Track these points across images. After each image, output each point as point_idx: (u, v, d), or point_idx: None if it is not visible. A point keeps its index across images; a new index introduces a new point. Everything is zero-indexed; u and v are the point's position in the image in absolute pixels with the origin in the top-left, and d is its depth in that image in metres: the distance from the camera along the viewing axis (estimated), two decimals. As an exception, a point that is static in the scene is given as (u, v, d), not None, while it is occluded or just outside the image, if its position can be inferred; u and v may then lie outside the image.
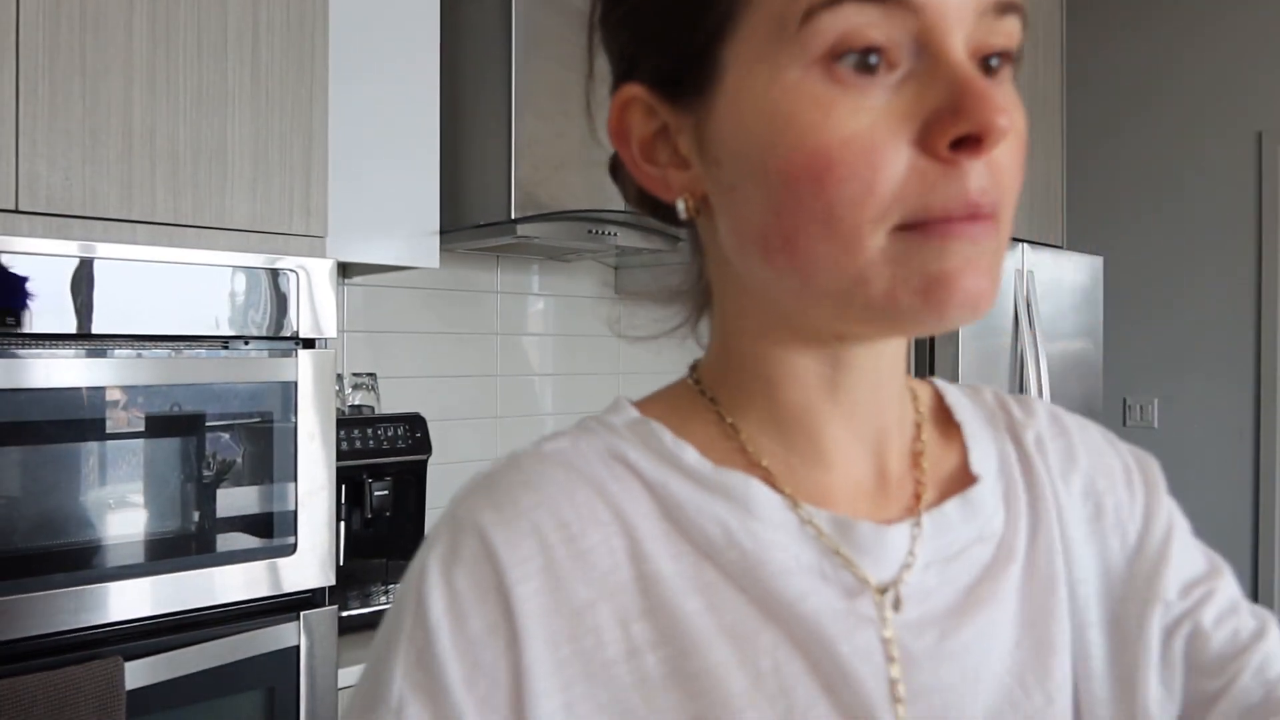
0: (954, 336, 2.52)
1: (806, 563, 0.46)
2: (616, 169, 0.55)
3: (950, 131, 0.39)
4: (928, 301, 0.40)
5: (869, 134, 0.39)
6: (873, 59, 0.39)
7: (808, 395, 0.48)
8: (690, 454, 0.48)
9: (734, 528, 0.46)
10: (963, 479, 0.51)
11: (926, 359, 2.57)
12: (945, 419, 0.55)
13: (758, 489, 0.47)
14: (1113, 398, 3.89)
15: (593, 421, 0.53)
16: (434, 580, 0.44)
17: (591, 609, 0.44)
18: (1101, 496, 0.54)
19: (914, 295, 0.40)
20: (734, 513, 0.46)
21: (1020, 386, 2.66)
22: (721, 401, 0.51)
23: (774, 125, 0.41)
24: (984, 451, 0.53)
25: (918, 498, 0.50)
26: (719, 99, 0.43)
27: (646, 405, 0.54)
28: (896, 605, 0.46)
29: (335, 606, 1.46)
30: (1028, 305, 2.70)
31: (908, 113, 0.39)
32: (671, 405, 0.53)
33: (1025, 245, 2.75)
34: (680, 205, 0.47)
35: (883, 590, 0.46)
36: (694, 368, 0.55)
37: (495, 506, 0.46)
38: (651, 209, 0.53)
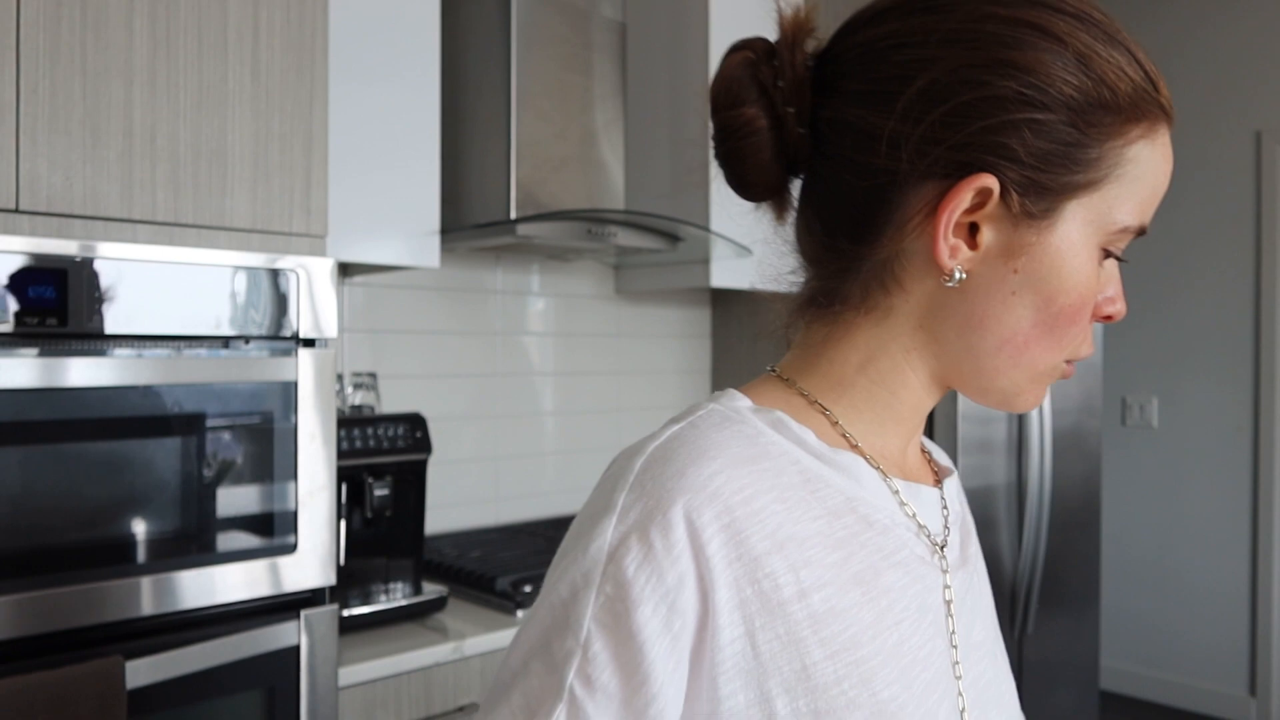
0: (954, 336, 2.52)
1: (899, 519, 0.61)
2: (740, 148, 0.63)
3: (1107, 310, 0.61)
4: (1029, 406, 0.63)
5: (1095, 299, 0.60)
6: (1105, 260, 0.60)
7: (915, 411, 0.65)
8: (811, 436, 0.60)
9: (851, 494, 0.59)
10: (942, 471, 0.71)
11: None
12: None
13: (861, 464, 0.61)
14: (1112, 397, 3.90)
15: (715, 406, 0.61)
16: (631, 542, 0.53)
17: (768, 557, 0.54)
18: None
19: (1032, 402, 0.62)
20: (848, 482, 0.60)
21: (1020, 386, 2.66)
22: (827, 405, 0.63)
23: (1075, 273, 0.57)
24: (941, 458, 0.74)
25: (934, 476, 0.70)
26: (1048, 231, 0.57)
27: (757, 397, 0.63)
28: (942, 551, 0.63)
29: (335, 606, 1.46)
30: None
31: (1099, 292, 0.60)
32: (781, 400, 0.63)
33: (1025, 245, 2.74)
34: (958, 274, 0.58)
35: (939, 544, 0.63)
36: (785, 378, 0.65)
37: (680, 474, 0.54)
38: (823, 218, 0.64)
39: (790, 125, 0.61)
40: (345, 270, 2.14)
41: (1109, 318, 0.62)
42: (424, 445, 1.85)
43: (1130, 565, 3.88)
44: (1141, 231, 0.60)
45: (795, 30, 0.64)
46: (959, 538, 0.67)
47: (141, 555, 1.29)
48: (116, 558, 1.27)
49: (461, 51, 2.26)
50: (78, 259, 1.24)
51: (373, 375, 2.02)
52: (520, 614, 1.81)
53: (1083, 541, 2.99)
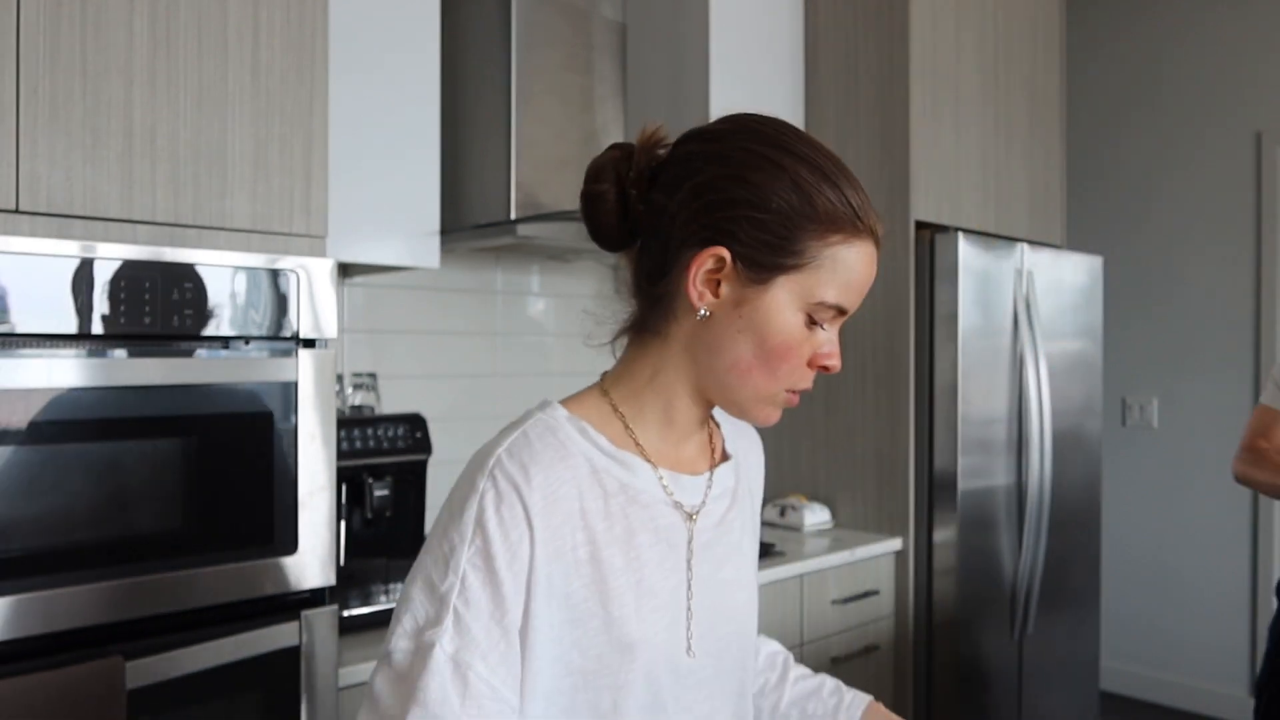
0: (954, 336, 2.52)
1: (660, 498, 0.90)
2: (594, 210, 0.92)
3: (822, 361, 0.88)
4: (763, 420, 0.91)
5: (805, 352, 0.87)
6: (818, 326, 0.87)
7: (685, 417, 0.93)
8: (603, 440, 0.89)
9: (625, 481, 0.89)
10: (724, 457, 1.00)
11: (928, 360, 2.57)
12: (714, 428, 1.02)
13: (638, 460, 0.90)
14: (1112, 397, 3.90)
15: (541, 415, 0.89)
16: (490, 511, 0.81)
17: (564, 526, 0.84)
18: (753, 471, 1.08)
19: (763, 418, 0.91)
20: (625, 473, 0.89)
21: (1020, 386, 2.66)
22: (624, 411, 0.92)
23: (781, 326, 0.85)
24: (732, 444, 1.02)
25: (710, 464, 0.97)
26: (763, 293, 0.85)
27: (571, 406, 0.92)
28: (694, 518, 0.92)
29: (335, 606, 1.46)
30: (1027, 305, 2.70)
31: (813, 346, 0.87)
32: (592, 409, 0.92)
33: (1025, 245, 2.75)
34: (703, 311, 0.86)
35: (692, 514, 0.92)
36: (604, 388, 0.94)
37: (521, 468, 0.83)
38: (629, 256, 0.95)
39: (632, 201, 0.90)
40: (345, 270, 2.14)
41: (825, 368, 0.88)
42: (424, 445, 1.85)
43: (1130, 565, 3.88)
44: (843, 311, 0.87)
45: (648, 140, 0.90)
46: (722, 507, 0.96)
47: (141, 555, 1.29)
48: (116, 558, 1.27)
49: (461, 51, 2.26)
50: (78, 260, 1.24)
51: (373, 375, 2.02)
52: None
53: (1083, 542, 2.99)
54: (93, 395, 1.25)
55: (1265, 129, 3.57)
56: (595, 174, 0.91)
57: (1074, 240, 3.64)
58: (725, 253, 0.84)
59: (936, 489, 2.55)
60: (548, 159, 2.28)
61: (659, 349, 0.90)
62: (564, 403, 0.91)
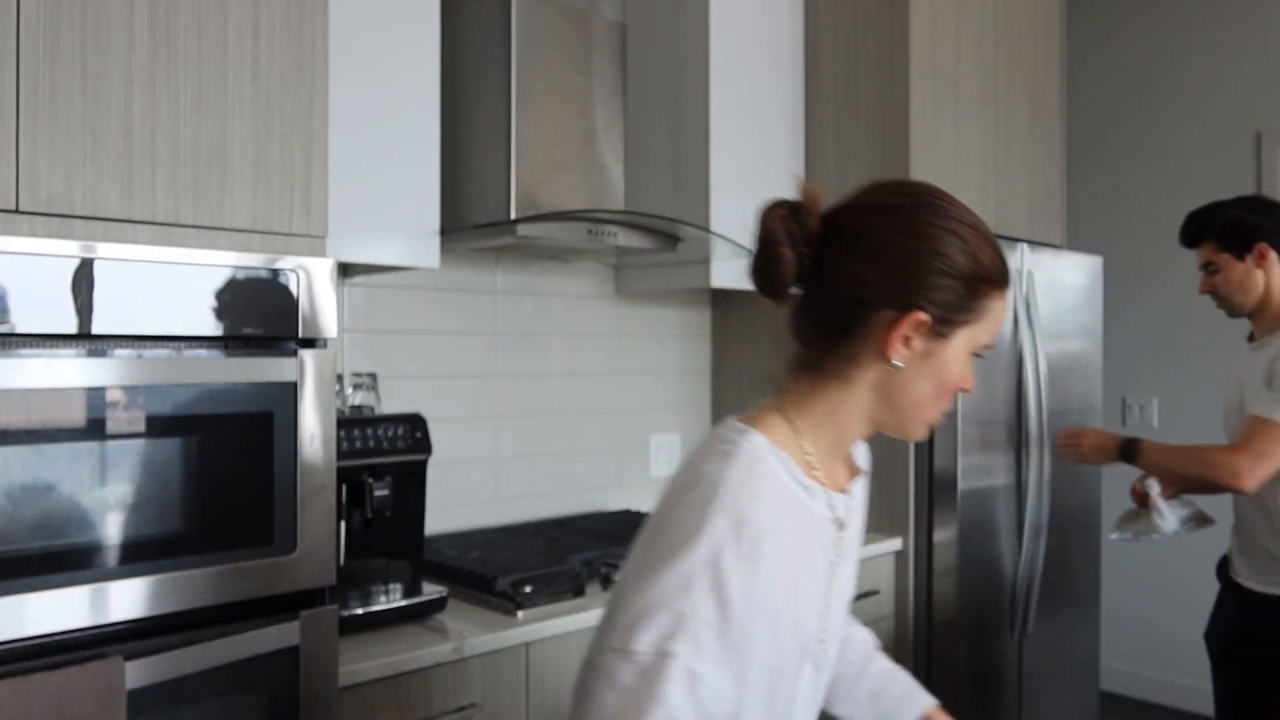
0: (954, 336, 2.52)
1: (826, 517, 1.05)
2: (772, 270, 1.02)
3: (964, 386, 1.04)
4: (921, 438, 1.08)
5: (966, 384, 1.04)
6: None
7: (850, 444, 1.08)
8: (798, 471, 1.02)
9: (808, 506, 1.03)
10: (856, 472, 1.14)
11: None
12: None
13: (818, 487, 1.04)
14: (1112, 398, 3.89)
15: (746, 445, 1.00)
16: (724, 542, 0.92)
17: (774, 550, 0.95)
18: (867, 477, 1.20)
19: (922, 436, 1.07)
20: (809, 499, 1.03)
21: (1020, 386, 2.66)
22: (805, 441, 1.05)
23: (956, 368, 1.02)
24: (860, 458, 1.16)
25: (849, 478, 1.12)
26: (946, 345, 1.01)
27: (766, 432, 1.03)
28: (843, 529, 1.08)
29: (335, 606, 1.46)
30: (1027, 305, 2.70)
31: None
32: (781, 438, 1.03)
33: (1025, 245, 2.75)
34: (898, 363, 1.00)
35: (841, 526, 1.07)
36: (786, 416, 1.06)
37: (748, 501, 0.95)
38: (813, 323, 1.07)
39: (804, 261, 1.01)
40: (345, 270, 2.14)
41: (965, 389, 1.05)
42: (424, 445, 1.85)
43: (1130, 565, 3.87)
44: (988, 347, 1.05)
45: (809, 202, 1.02)
46: (858, 517, 1.14)
47: (141, 555, 1.29)
48: (116, 558, 1.27)
49: (461, 51, 2.26)
50: (78, 260, 1.24)
51: (373, 375, 2.02)
52: (520, 614, 1.81)
53: (1083, 542, 2.99)
54: (93, 395, 1.25)
55: (1265, 129, 3.57)
56: (769, 238, 1.01)
57: (1074, 240, 3.64)
58: (925, 316, 0.98)
59: (936, 489, 2.55)
60: (548, 159, 2.28)
61: (840, 389, 1.04)
62: (756, 427, 1.03)
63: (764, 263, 1.01)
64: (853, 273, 0.99)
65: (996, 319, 1.03)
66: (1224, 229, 2.20)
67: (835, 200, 1.05)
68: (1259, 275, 2.16)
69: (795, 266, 1.00)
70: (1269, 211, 2.19)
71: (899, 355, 0.99)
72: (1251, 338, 2.26)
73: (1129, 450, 2.23)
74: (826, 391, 1.04)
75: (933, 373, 1.01)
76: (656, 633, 0.90)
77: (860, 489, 1.15)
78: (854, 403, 1.04)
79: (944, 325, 0.99)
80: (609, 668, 0.92)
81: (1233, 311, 2.27)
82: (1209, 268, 2.26)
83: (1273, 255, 2.15)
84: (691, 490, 0.96)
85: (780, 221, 1.00)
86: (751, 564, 0.93)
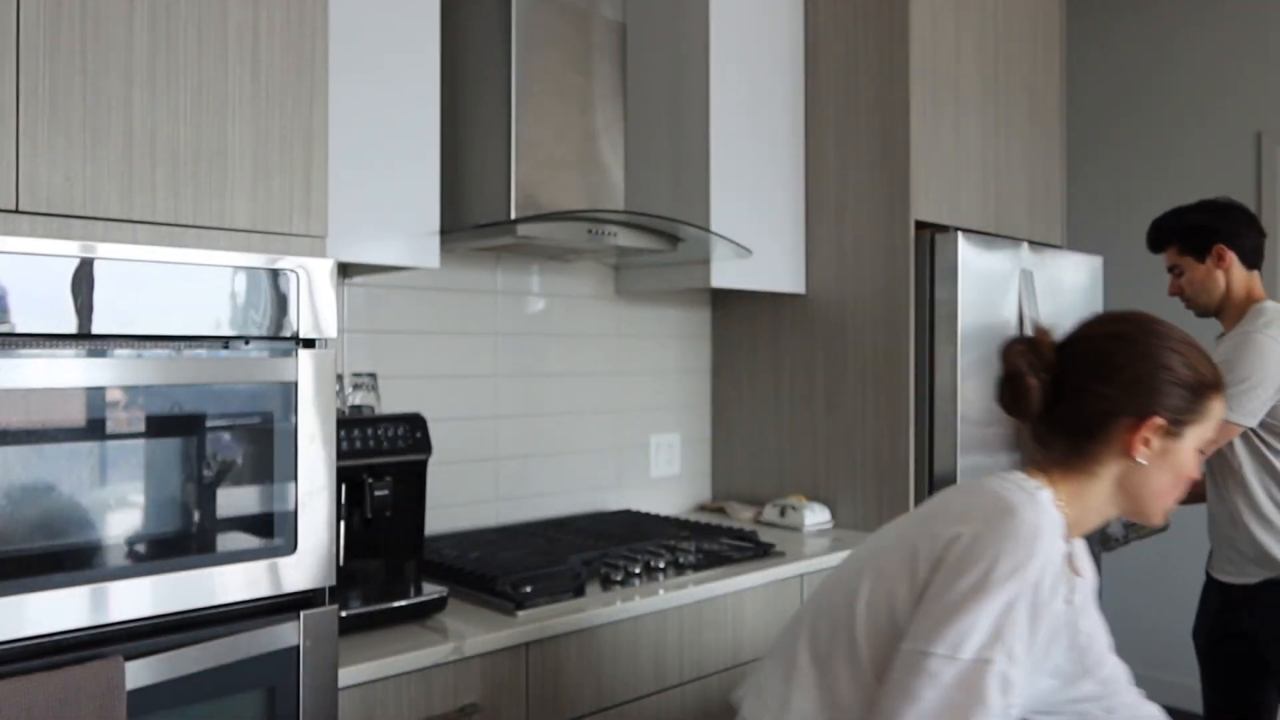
0: (953, 337, 2.52)
1: (1067, 568, 1.27)
2: (1022, 398, 1.27)
3: (1193, 475, 1.29)
4: (1161, 521, 1.32)
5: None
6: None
7: (1091, 523, 1.28)
8: (1062, 528, 1.21)
9: (1065, 552, 1.23)
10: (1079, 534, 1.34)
11: (928, 360, 2.57)
12: None
13: (1074, 542, 1.31)
14: (1112, 398, 3.89)
15: (1041, 497, 1.21)
16: (1041, 576, 1.13)
17: (1059, 584, 1.19)
18: None
19: (1162, 519, 1.30)
20: (1067, 547, 1.23)
21: (1020, 386, 2.66)
22: (1063, 507, 1.23)
23: (1189, 461, 1.24)
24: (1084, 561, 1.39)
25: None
26: (1180, 443, 1.23)
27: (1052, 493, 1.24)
28: (1077, 573, 1.33)
29: (335, 606, 1.46)
30: (1027, 305, 2.70)
31: None
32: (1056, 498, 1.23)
33: (1025, 245, 2.75)
34: (1141, 461, 1.22)
35: (1076, 571, 1.32)
36: (1055, 493, 1.24)
37: (1053, 542, 1.17)
38: (1059, 428, 1.28)
39: (1045, 385, 1.24)
40: (345, 270, 2.14)
41: (1194, 479, 1.26)
42: (424, 445, 1.85)
43: (1126, 565, 3.88)
44: (1213, 442, 1.36)
45: (1043, 337, 1.27)
46: (1089, 570, 1.36)
47: (141, 555, 1.29)
48: (116, 558, 1.27)
49: (461, 51, 2.26)
50: (78, 259, 1.24)
51: (373, 375, 2.02)
52: (520, 614, 1.81)
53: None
54: (93, 395, 1.25)
55: (1265, 129, 3.57)
56: (1015, 371, 1.25)
57: (1074, 240, 3.64)
58: (1161, 420, 1.20)
59: (936, 489, 2.55)
60: (548, 159, 2.28)
61: (1086, 481, 1.25)
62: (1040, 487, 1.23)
63: (1013, 391, 1.25)
64: (1096, 392, 1.22)
65: (1217, 416, 1.24)
66: (1184, 233, 2.29)
67: (1062, 331, 1.29)
68: (1219, 275, 2.25)
69: (1040, 392, 1.24)
70: (1225, 214, 2.28)
71: (1141, 454, 1.21)
72: (1221, 337, 2.32)
73: None
74: (1074, 480, 1.24)
75: (1169, 466, 1.22)
76: (977, 640, 1.09)
77: (1082, 547, 1.37)
78: (1098, 492, 1.25)
79: (1176, 426, 1.21)
80: (934, 670, 1.09)
81: (1200, 311, 2.35)
82: (1174, 270, 2.35)
83: (1230, 255, 2.24)
84: (1007, 520, 1.15)
85: (1022, 356, 1.25)
86: (1053, 594, 1.16)
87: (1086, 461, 1.24)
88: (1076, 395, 1.23)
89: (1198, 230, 2.27)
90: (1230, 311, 2.28)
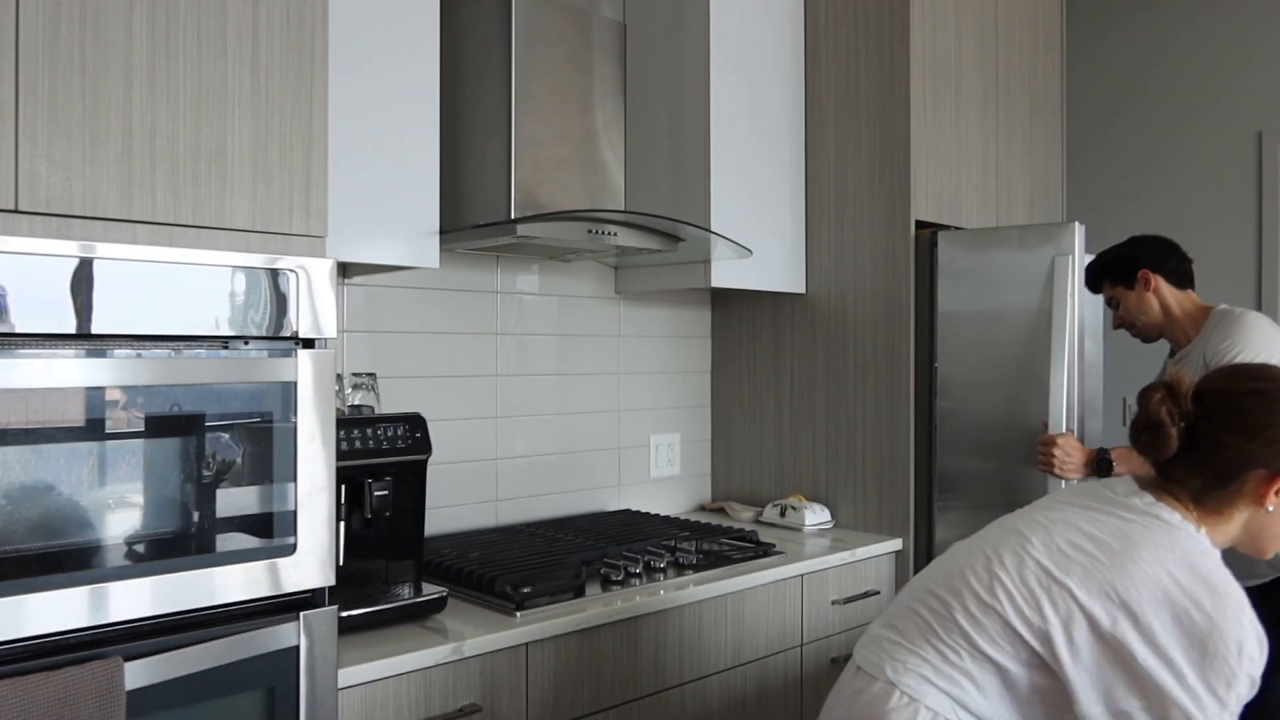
0: (953, 337, 2.52)
1: None
2: (1160, 443, 1.31)
3: None
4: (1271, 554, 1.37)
5: None
6: None
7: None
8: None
9: None
10: None
11: (928, 360, 2.57)
12: None
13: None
14: (1113, 398, 3.89)
15: (1209, 541, 1.30)
16: (1256, 648, 1.21)
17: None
18: None
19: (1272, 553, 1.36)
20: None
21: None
22: (1205, 527, 1.30)
23: None
24: None
25: None
26: None
27: (1186, 511, 1.31)
28: None
29: (335, 606, 1.46)
30: (1058, 301, 2.69)
31: None
32: (1193, 520, 1.30)
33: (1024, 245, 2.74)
34: (1270, 508, 1.28)
35: None
36: (1193, 520, 1.31)
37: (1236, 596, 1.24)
38: (1193, 472, 1.32)
39: (1183, 434, 1.29)
40: (345, 270, 2.14)
41: None
42: (424, 445, 1.84)
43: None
44: None
45: (1180, 386, 1.31)
46: None
47: (141, 555, 1.29)
48: (116, 558, 1.27)
49: (461, 51, 2.26)
50: (77, 259, 1.24)
51: (372, 375, 2.02)
52: (520, 614, 1.81)
53: (1083, 542, 2.99)
54: (92, 395, 1.25)
55: (1266, 128, 3.57)
56: (1154, 419, 1.29)
57: (1074, 240, 3.63)
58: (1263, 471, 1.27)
59: (936, 489, 2.55)
60: (548, 159, 2.28)
61: (1217, 520, 1.30)
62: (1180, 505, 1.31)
63: (1153, 439, 1.30)
64: (1234, 445, 1.27)
65: None
66: (1111, 265, 2.44)
67: (1198, 382, 1.34)
68: (1150, 298, 2.39)
69: (1177, 440, 1.28)
70: (1145, 243, 2.44)
71: (1272, 503, 1.28)
72: (1172, 353, 2.46)
73: (1102, 464, 2.25)
74: (1208, 517, 1.30)
75: None
76: (1213, 709, 1.17)
77: None
78: (1226, 532, 1.31)
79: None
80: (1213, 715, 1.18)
81: (1143, 337, 2.47)
82: (1111, 304, 2.48)
83: (1155, 278, 2.38)
84: (1207, 590, 1.21)
85: (1163, 405, 1.29)
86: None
87: (1219, 503, 1.30)
88: (1213, 445, 1.28)
89: (1121, 260, 2.41)
90: (1179, 327, 2.39)
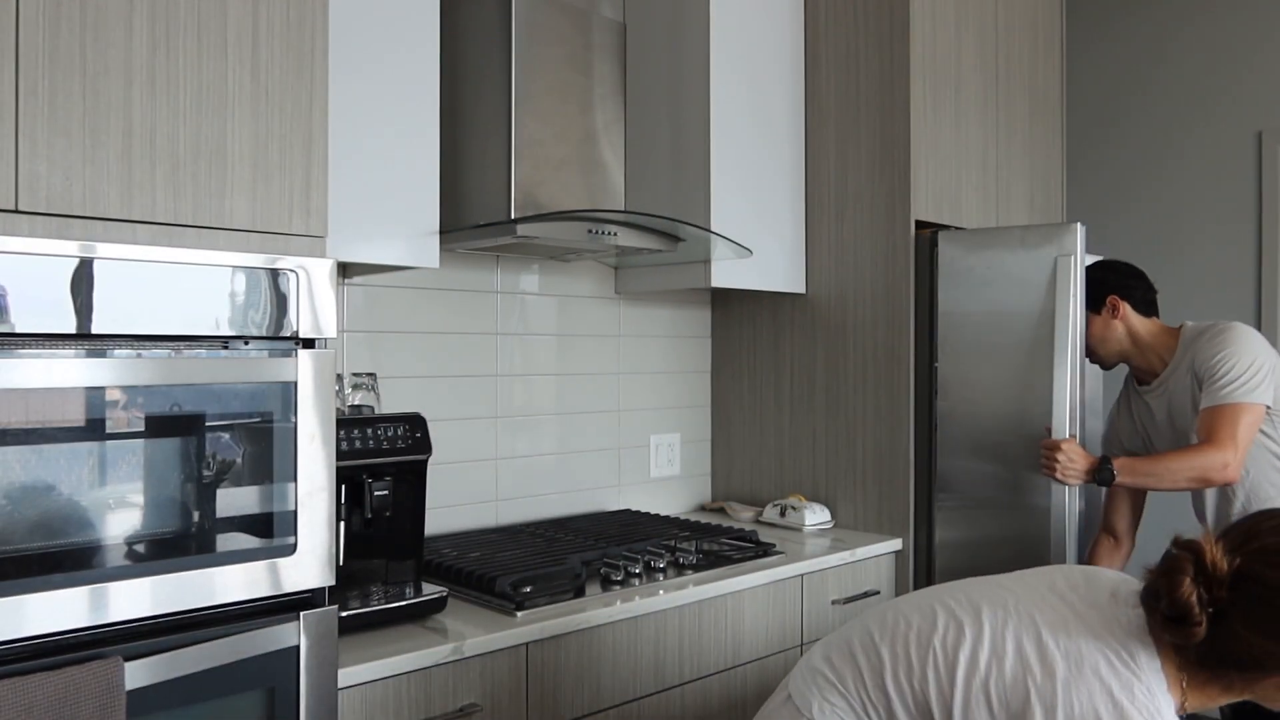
0: (953, 337, 2.52)
1: None
2: (1184, 625, 1.16)
3: None
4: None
5: None
6: None
7: None
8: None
9: None
10: None
11: (928, 360, 2.57)
12: None
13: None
14: (1112, 397, 3.89)
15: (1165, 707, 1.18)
16: None
17: None
18: None
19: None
20: None
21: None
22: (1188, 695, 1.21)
23: None
24: None
25: None
26: None
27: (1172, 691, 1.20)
28: None
29: (335, 606, 1.46)
30: (1061, 300, 2.69)
31: None
32: (1173, 685, 1.20)
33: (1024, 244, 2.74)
34: None
35: None
36: (1180, 682, 1.20)
37: None
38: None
39: (1207, 613, 1.13)
40: (345, 270, 2.14)
41: None
42: (423, 445, 1.84)
43: (1130, 566, 3.87)
44: None
45: (1216, 559, 1.14)
46: None
47: (141, 555, 1.29)
48: (116, 558, 1.27)
49: (461, 51, 2.26)
50: (77, 259, 1.24)
51: (372, 375, 2.02)
52: (520, 614, 1.81)
53: (1082, 541, 2.99)
54: (92, 395, 1.25)
55: (1266, 128, 3.57)
56: (1186, 609, 1.13)
57: (1074, 240, 3.63)
58: None
59: (936, 489, 2.55)
60: (548, 159, 2.28)
61: (1217, 689, 1.18)
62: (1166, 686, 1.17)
63: (1177, 623, 1.14)
64: (1258, 644, 1.12)
65: None
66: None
67: (1234, 550, 1.16)
68: (1117, 325, 2.37)
69: (1206, 629, 1.13)
70: (1117, 270, 2.43)
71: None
72: (1139, 381, 2.42)
73: (1105, 472, 2.23)
74: (1203, 682, 1.19)
75: None
76: None
77: None
78: (1211, 697, 1.20)
79: None
80: None
81: (1102, 364, 2.46)
82: None
83: (1124, 305, 2.36)
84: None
85: (1195, 587, 1.13)
86: None
87: (1225, 680, 1.18)
88: (1236, 639, 1.13)
89: (1090, 284, 2.39)
90: (1149, 354, 2.36)
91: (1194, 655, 1.16)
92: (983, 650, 1.21)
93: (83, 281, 1.24)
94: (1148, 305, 2.39)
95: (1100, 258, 3.09)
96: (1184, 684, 1.18)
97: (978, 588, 1.35)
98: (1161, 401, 2.34)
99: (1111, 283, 2.38)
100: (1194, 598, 1.12)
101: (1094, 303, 2.39)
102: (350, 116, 1.88)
